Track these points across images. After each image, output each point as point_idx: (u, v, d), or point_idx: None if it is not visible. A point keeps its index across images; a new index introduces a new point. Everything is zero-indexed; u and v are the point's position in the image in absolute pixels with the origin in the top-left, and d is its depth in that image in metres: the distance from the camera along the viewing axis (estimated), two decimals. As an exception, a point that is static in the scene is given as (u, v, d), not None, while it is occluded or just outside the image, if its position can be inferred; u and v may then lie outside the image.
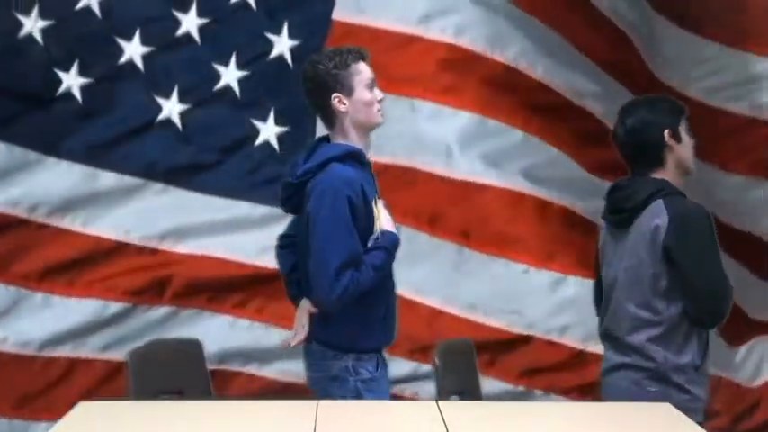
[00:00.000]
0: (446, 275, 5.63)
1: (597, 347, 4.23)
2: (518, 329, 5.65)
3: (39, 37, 5.46)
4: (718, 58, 5.72)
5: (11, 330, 5.39)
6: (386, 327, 3.83)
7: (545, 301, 5.69)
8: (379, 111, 3.81)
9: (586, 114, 5.73)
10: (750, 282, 5.87)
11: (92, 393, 5.24)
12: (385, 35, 5.58)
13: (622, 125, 3.97)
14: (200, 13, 5.57)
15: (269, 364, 5.52)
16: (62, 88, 5.47)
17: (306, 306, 3.83)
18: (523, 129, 5.70)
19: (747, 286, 5.76)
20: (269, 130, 5.58)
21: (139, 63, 5.52)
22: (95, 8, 5.50)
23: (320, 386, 3.78)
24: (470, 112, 5.67)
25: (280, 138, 5.57)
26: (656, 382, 3.78)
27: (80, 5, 5.50)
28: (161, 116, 5.54)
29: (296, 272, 3.92)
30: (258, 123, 5.59)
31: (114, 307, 5.46)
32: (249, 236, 5.50)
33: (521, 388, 5.65)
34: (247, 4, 5.58)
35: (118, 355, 5.23)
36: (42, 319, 5.41)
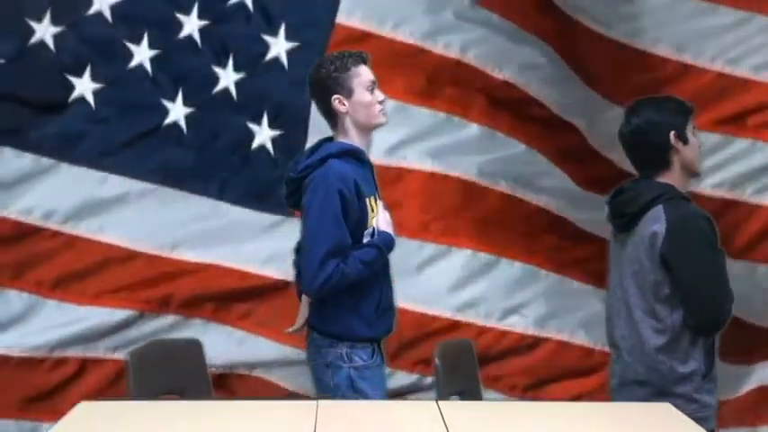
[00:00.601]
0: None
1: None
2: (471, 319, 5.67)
3: (51, 43, 5.47)
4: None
5: (22, 335, 5.41)
6: (380, 318, 3.96)
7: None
8: (380, 111, 3.97)
9: (573, 129, 5.73)
10: None
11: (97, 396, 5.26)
12: (389, 44, 5.58)
13: (628, 125, 3.92)
14: (200, 15, 5.57)
15: (273, 374, 5.53)
16: (75, 94, 5.49)
17: (306, 297, 4.01)
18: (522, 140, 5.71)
19: None
20: (264, 134, 5.58)
21: (148, 66, 5.53)
22: (107, 13, 5.51)
23: (316, 372, 3.94)
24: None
25: (274, 141, 5.57)
26: (662, 398, 3.69)
27: (92, 10, 5.51)
28: (168, 120, 5.54)
29: None
30: (254, 127, 5.58)
31: (122, 314, 5.48)
32: (257, 244, 5.50)
33: None
34: (245, 6, 5.58)
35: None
36: (53, 326, 5.43)
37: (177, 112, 5.55)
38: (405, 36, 5.59)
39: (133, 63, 5.53)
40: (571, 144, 5.74)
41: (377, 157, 4.72)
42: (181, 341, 4.62)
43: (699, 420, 3.44)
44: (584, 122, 5.72)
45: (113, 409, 3.41)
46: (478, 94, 5.66)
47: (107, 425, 3.17)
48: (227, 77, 5.57)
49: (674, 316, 3.79)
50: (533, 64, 5.67)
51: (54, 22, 5.47)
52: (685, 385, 3.79)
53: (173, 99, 5.54)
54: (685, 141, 3.89)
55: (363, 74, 3.95)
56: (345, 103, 3.93)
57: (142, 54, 5.52)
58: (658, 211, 3.79)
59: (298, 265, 4.05)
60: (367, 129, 3.99)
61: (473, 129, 5.67)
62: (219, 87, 5.57)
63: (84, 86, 5.49)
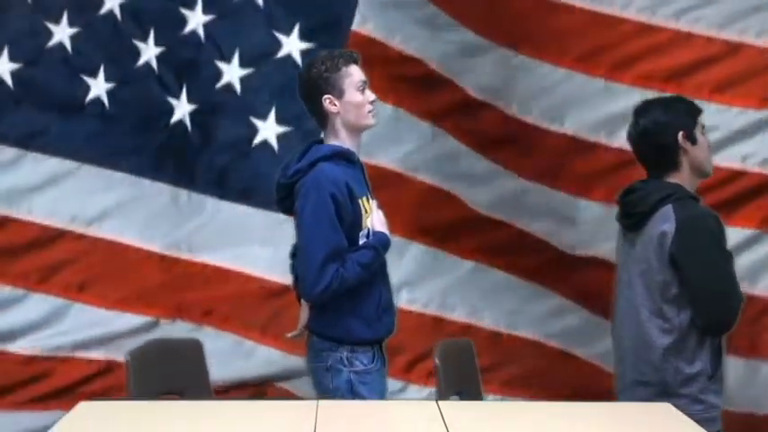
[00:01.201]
0: None
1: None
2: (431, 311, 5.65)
3: (68, 44, 5.48)
4: None
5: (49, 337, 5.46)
6: (381, 319, 3.94)
7: None
8: (370, 112, 3.94)
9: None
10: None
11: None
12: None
13: (636, 126, 3.93)
14: (205, 10, 5.55)
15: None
16: (91, 95, 5.50)
17: (306, 302, 3.99)
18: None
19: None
20: (269, 130, 5.57)
21: (154, 64, 5.53)
22: (117, 11, 5.51)
23: (316, 376, 3.92)
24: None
25: (279, 137, 5.56)
26: (668, 399, 3.67)
27: (104, 10, 5.51)
28: (174, 118, 5.54)
29: None
30: (258, 122, 5.58)
31: (139, 320, 5.49)
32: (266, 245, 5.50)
33: None
34: (254, 2, 5.57)
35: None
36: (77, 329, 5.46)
37: (183, 109, 5.54)
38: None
39: (141, 61, 5.53)
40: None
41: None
42: (181, 341, 4.62)
43: (704, 421, 3.44)
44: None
45: (113, 409, 3.41)
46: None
47: (107, 425, 3.17)
48: (232, 72, 5.55)
49: (681, 316, 3.79)
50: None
51: (70, 23, 5.49)
52: (691, 386, 3.79)
53: (177, 96, 5.54)
54: (694, 141, 3.89)
55: (354, 74, 3.92)
56: (336, 103, 3.89)
57: (149, 52, 5.52)
58: (667, 210, 3.79)
59: (295, 269, 4.04)
60: (357, 129, 3.95)
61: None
62: (223, 82, 5.55)
63: (100, 87, 5.51)
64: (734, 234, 4.81)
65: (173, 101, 5.54)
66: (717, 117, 5.23)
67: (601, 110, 5.46)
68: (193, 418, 3.28)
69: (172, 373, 4.04)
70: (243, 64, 5.56)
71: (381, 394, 3.97)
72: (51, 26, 5.50)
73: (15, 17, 5.55)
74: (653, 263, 3.80)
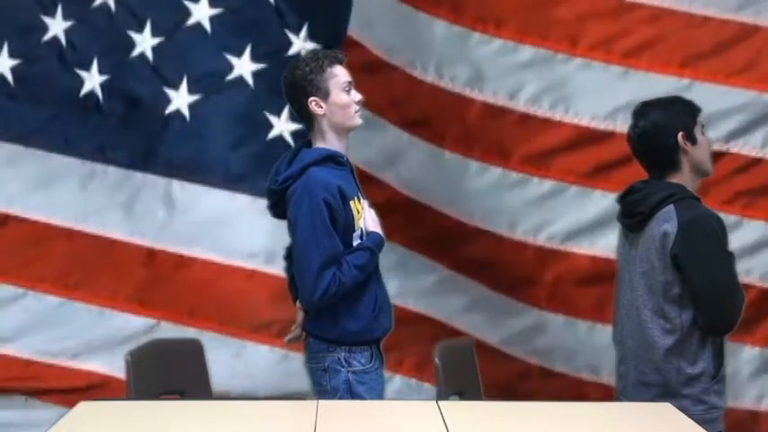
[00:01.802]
0: None
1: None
2: None
3: (62, 38, 5.47)
4: None
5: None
6: (378, 318, 3.93)
7: None
8: (356, 112, 3.92)
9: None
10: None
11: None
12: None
13: (635, 127, 3.91)
14: (211, 3, 5.53)
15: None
16: (86, 88, 5.49)
17: (300, 306, 3.98)
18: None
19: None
20: (282, 125, 5.55)
21: (149, 54, 5.50)
22: (111, 3, 5.49)
23: (314, 376, 3.91)
24: None
25: (294, 134, 5.55)
26: (670, 400, 3.66)
27: (97, 3, 5.50)
28: (170, 108, 5.52)
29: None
30: (272, 118, 5.56)
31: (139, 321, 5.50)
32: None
33: None
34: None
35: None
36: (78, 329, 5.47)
37: (181, 100, 5.52)
38: None
39: (135, 52, 5.52)
40: None
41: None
42: (181, 341, 4.62)
43: (706, 422, 3.44)
44: None
45: (113, 409, 3.41)
46: None
47: (107, 425, 3.17)
48: (243, 66, 5.53)
49: (683, 316, 3.78)
50: None
51: (65, 17, 5.48)
52: (693, 387, 3.78)
53: (176, 87, 5.52)
54: (694, 142, 3.88)
55: (340, 74, 3.89)
56: (322, 105, 3.87)
57: (145, 42, 5.51)
58: (669, 210, 3.79)
59: (290, 272, 4.03)
60: (344, 130, 3.93)
61: None
62: (233, 75, 5.54)
63: (94, 80, 5.49)
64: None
65: (169, 91, 5.51)
66: (737, 100, 5.23)
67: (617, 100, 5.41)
68: (193, 418, 3.27)
69: (172, 373, 4.04)
70: (254, 58, 5.54)
71: (380, 394, 3.96)
72: (48, 20, 5.48)
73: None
74: (655, 263, 3.80)
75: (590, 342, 5.44)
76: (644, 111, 3.93)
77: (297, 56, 4.16)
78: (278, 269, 5.25)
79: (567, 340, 5.52)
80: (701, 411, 3.71)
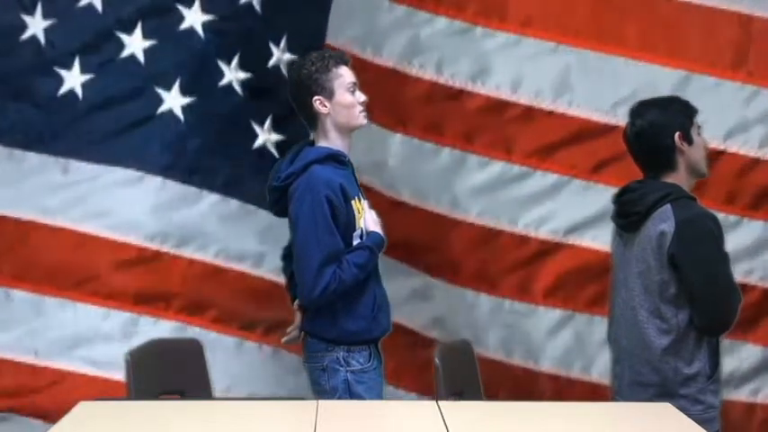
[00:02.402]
0: None
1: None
2: None
3: (41, 37, 5.45)
4: None
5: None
6: (376, 319, 3.94)
7: None
8: (361, 113, 3.94)
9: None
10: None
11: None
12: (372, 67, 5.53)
13: (632, 127, 3.92)
14: (204, 9, 5.52)
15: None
16: (65, 87, 5.47)
17: (298, 307, 4.00)
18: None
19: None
20: (265, 135, 5.55)
21: (140, 57, 5.49)
22: (97, 3, 5.48)
23: (312, 376, 3.93)
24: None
25: (277, 144, 5.55)
26: (666, 400, 3.66)
27: (83, 2, 5.49)
28: (161, 109, 5.50)
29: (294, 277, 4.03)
30: (256, 127, 5.55)
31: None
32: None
33: None
34: (252, 7, 5.54)
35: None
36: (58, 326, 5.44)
37: (173, 101, 5.50)
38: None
39: (125, 53, 5.50)
40: None
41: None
42: (181, 341, 4.62)
43: (703, 422, 3.44)
44: None
45: (113, 409, 3.41)
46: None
47: (107, 425, 3.17)
48: (232, 74, 5.52)
49: (679, 316, 3.78)
50: None
51: (45, 15, 5.46)
52: (690, 386, 3.78)
53: (168, 89, 5.50)
54: (690, 142, 3.89)
55: (344, 75, 3.92)
56: (327, 104, 3.90)
57: (135, 44, 5.49)
58: (666, 210, 3.79)
59: (287, 272, 4.05)
60: (347, 130, 3.95)
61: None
62: (224, 82, 5.53)
63: (75, 79, 5.47)
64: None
65: (162, 92, 5.50)
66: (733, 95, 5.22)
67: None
68: (193, 418, 3.27)
69: (172, 373, 4.04)
70: (242, 67, 5.54)
71: (379, 393, 3.98)
72: (27, 18, 5.46)
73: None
74: (651, 263, 3.80)
75: (588, 339, 5.43)
76: (641, 110, 3.93)
77: (292, 61, 4.15)
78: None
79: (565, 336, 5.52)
80: (700, 411, 3.72)
